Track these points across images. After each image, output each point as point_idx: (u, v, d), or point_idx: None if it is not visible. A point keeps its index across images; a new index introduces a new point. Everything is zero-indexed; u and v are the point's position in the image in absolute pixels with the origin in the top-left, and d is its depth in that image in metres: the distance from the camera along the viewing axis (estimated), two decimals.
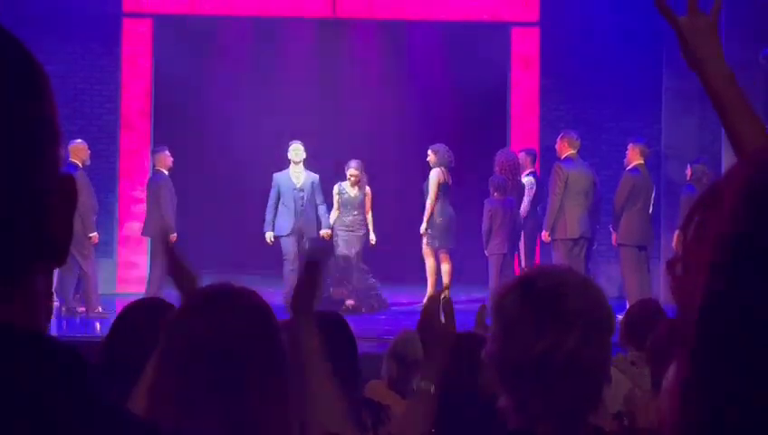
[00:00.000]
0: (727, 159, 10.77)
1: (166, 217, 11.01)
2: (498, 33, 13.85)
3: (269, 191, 11.39)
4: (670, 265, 0.85)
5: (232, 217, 14.27)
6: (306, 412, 2.08)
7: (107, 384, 2.13)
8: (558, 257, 10.36)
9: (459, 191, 11.61)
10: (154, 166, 11.70)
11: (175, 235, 10.99)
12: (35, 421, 0.79)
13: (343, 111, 14.70)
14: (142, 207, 12.01)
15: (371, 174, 11.52)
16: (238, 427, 1.77)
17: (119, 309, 3.13)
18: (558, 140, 10.80)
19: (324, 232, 11.32)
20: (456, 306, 2.54)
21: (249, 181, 13.36)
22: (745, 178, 0.80)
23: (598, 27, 13.39)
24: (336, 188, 11.34)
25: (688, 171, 10.93)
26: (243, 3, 13.79)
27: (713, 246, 0.79)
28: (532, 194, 11.18)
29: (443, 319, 2.44)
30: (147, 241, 12.29)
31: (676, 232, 7.43)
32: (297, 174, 11.34)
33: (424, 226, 10.98)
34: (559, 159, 10.65)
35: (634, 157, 10.58)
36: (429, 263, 11.14)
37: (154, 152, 11.82)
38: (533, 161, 11.59)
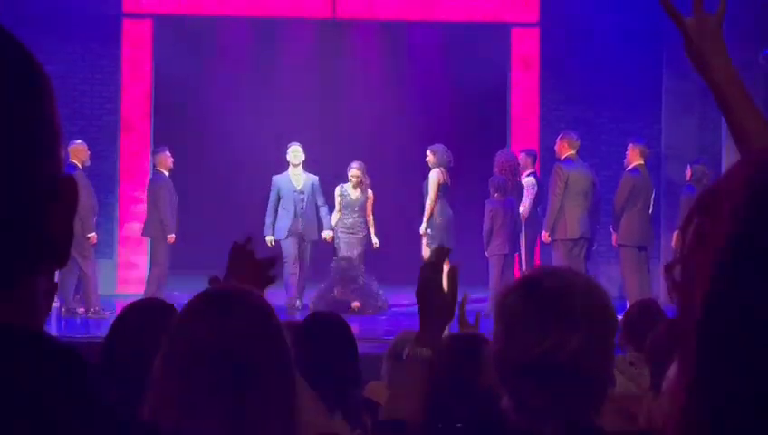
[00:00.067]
0: (727, 160, 10.78)
1: (164, 218, 11.01)
2: (498, 33, 13.85)
3: (268, 193, 11.35)
4: (668, 268, 0.85)
5: (232, 218, 14.27)
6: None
7: (107, 384, 2.13)
8: (558, 258, 10.36)
9: (459, 192, 11.61)
10: (154, 166, 11.70)
11: (173, 235, 10.99)
12: (35, 421, 0.79)
13: (343, 112, 14.71)
14: (142, 208, 12.00)
15: (371, 175, 11.50)
16: (241, 428, 1.77)
17: (118, 310, 3.13)
18: (557, 140, 10.79)
19: (326, 234, 11.28)
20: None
21: (249, 182, 13.36)
22: (745, 178, 0.80)
23: (598, 27, 13.39)
24: (338, 190, 11.30)
25: (688, 172, 10.93)
26: (243, 3, 13.79)
27: (713, 247, 0.79)
28: (533, 194, 11.17)
29: (444, 285, 2.24)
30: (147, 242, 12.28)
31: (676, 232, 7.44)
32: (297, 176, 11.30)
33: (424, 226, 10.98)
34: (558, 159, 10.65)
35: (634, 157, 10.58)
36: None
37: (154, 153, 11.82)
38: (534, 162, 11.58)
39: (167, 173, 11.28)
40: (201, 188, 13.91)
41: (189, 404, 1.77)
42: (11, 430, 0.78)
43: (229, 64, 14.46)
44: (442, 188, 10.94)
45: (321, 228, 11.36)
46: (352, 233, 11.19)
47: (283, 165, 11.44)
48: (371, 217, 11.34)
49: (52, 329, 9.51)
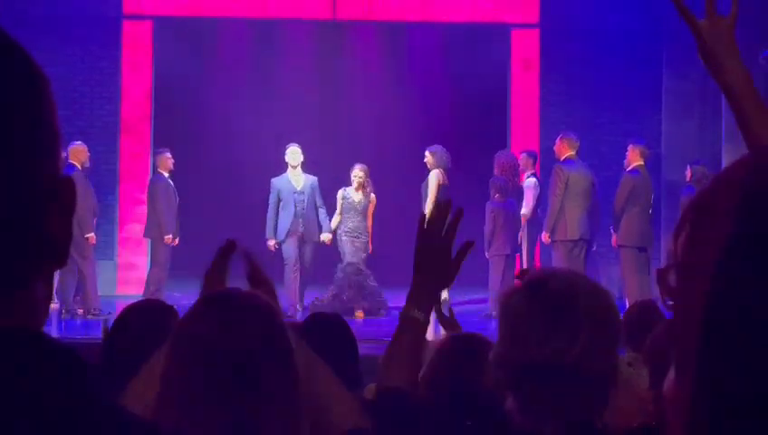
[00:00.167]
0: (727, 160, 10.77)
1: (162, 220, 11.00)
2: (498, 34, 13.86)
3: (268, 195, 11.29)
4: (662, 273, 0.85)
5: (232, 219, 14.27)
6: (319, 415, 2.05)
7: (107, 384, 2.13)
8: (558, 259, 10.36)
9: (458, 192, 11.59)
10: (155, 168, 11.70)
11: (170, 236, 10.98)
12: (35, 421, 0.79)
13: (343, 113, 14.71)
14: (142, 209, 12.00)
15: (371, 175, 11.46)
16: (242, 429, 1.77)
17: (119, 310, 3.14)
18: (557, 141, 10.78)
19: (325, 237, 11.22)
20: (455, 308, 2.47)
21: (249, 183, 13.36)
22: (740, 179, 0.81)
23: (598, 28, 13.40)
24: (340, 193, 11.21)
25: (688, 172, 10.93)
26: (243, 5, 13.79)
27: (713, 247, 0.79)
28: (536, 195, 11.16)
29: (443, 236, 2.09)
30: (147, 242, 12.29)
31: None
32: (296, 177, 11.26)
33: None
34: (558, 160, 10.64)
35: (634, 158, 10.57)
36: None
37: (156, 154, 11.82)
38: (534, 163, 11.57)
39: (167, 174, 11.29)
40: (201, 189, 13.91)
41: (190, 405, 1.77)
42: (11, 430, 0.78)
43: (229, 66, 14.47)
44: (441, 190, 10.92)
45: (320, 231, 11.31)
46: (356, 237, 11.13)
47: (282, 166, 11.42)
48: (370, 221, 11.30)
49: (53, 330, 9.51)
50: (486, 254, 10.92)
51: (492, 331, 4.76)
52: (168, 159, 11.30)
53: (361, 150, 12.69)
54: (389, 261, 12.39)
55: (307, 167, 11.38)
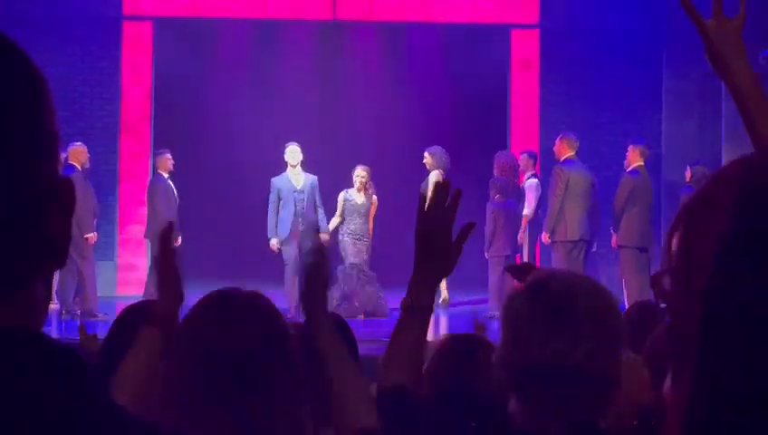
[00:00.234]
0: (727, 160, 10.75)
1: (160, 221, 10.99)
2: (498, 35, 13.86)
3: (268, 195, 11.27)
4: (656, 278, 0.85)
5: (232, 219, 14.28)
6: (334, 413, 2.04)
7: (107, 384, 2.13)
8: (557, 259, 10.35)
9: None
10: (155, 169, 11.70)
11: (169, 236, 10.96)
12: (35, 421, 0.79)
13: (343, 113, 14.71)
14: (142, 210, 12.00)
15: (371, 176, 11.46)
16: (245, 429, 1.77)
17: (118, 311, 3.14)
18: (557, 141, 10.77)
19: (323, 236, 11.20)
20: (454, 309, 2.46)
21: (249, 184, 13.35)
22: (738, 176, 0.81)
23: (598, 28, 13.40)
24: (342, 196, 11.17)
25: (688, 173, 10.92)
26: (243, 5, 13.79)
27: (709, 245, 0.79)
28: (538, 195, 11.14)
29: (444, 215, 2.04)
30: (147, 243, 12.28)
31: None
32: (296, 176, 11.24)
33: None
34: (558, 160, 10.64)
35: (634, 158, 10.56)
36: None
37: (156, 155, 11.81)
38: (534, 163, 11.57)
39: (166, 175, 11.28)
40: (201, 189, 13.91)
41: (190, 405, 1.77)
42: (11, 430, 0.79)
43: (229, 66, 14.47)
44: None
45: (319, 231, 11.29)
46: (358, 239, 11.11)
47: (282, 166, 11.41)
48: (372, 223, 11.28)
49: (53, 331, 9.51)
50: (486, 254, 10.92)
51: (492, 331, 4.77)
52: (167, 160, 11.29)
53: (361, 151, 12.68)
54: (390, 261, 12.40)
55: (307, 167, 11.36)
